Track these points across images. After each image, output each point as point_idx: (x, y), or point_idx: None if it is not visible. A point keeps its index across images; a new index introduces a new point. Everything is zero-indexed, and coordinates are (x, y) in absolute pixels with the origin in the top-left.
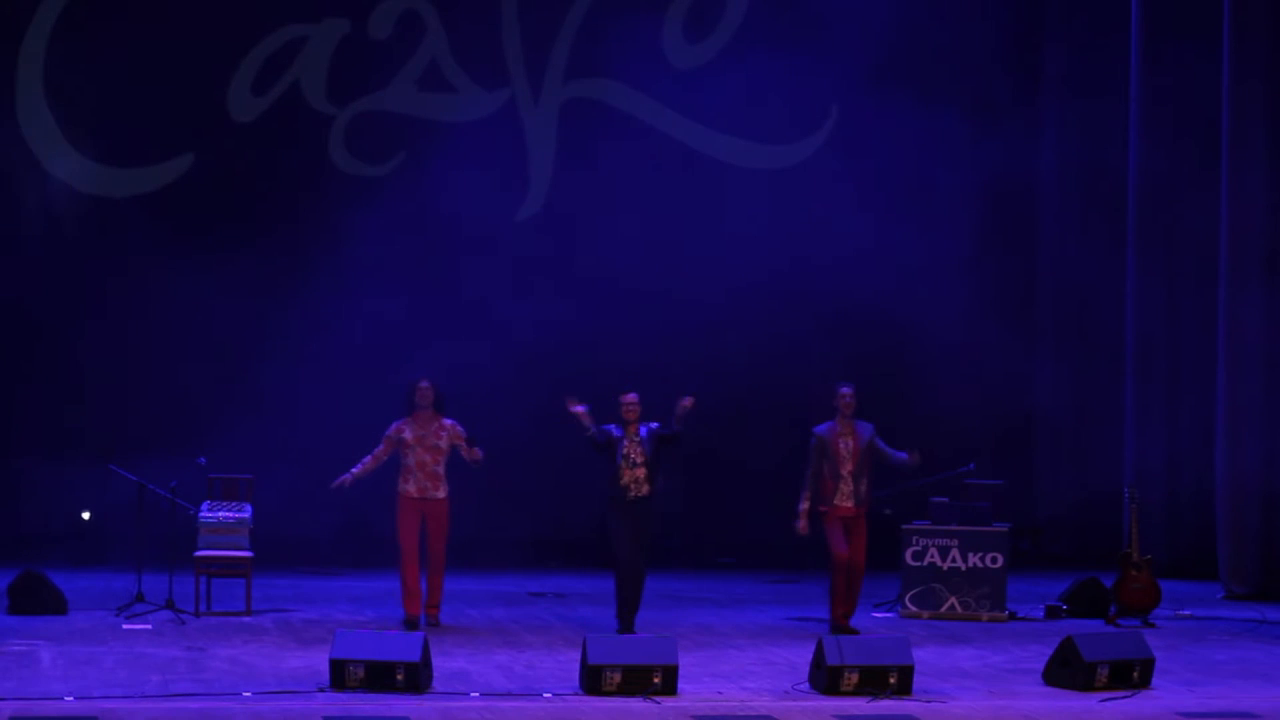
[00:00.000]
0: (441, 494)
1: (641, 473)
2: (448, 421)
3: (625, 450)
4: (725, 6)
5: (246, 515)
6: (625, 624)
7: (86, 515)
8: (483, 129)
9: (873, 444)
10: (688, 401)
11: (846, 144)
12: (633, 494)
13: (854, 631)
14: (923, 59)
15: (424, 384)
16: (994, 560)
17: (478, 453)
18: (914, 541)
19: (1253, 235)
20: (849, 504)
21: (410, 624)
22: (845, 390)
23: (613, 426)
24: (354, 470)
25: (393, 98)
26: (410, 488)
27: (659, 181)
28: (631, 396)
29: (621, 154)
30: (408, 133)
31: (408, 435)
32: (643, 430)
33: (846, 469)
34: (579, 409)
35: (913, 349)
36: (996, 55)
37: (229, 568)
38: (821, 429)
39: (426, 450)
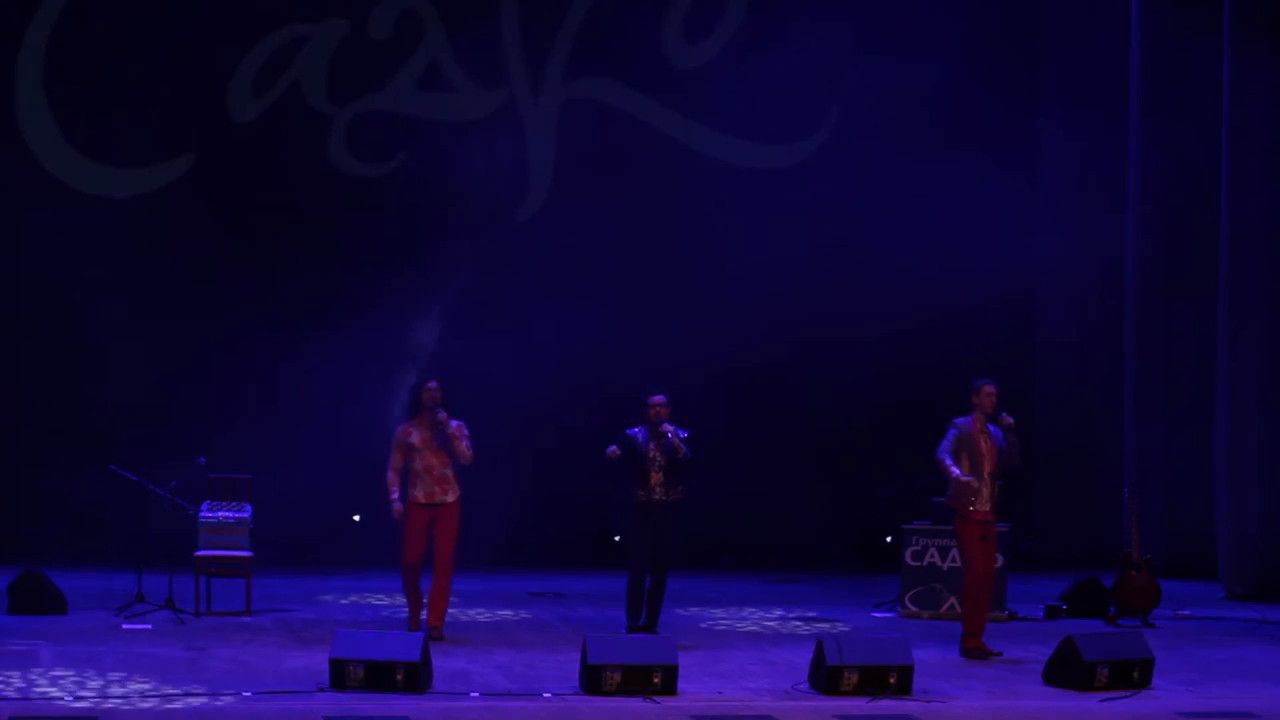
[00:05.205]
0: (451, 498)
1: (665, 476)
2: (454, 422)
3: (651, 453)
4: (725, 6)
5: (246, 515)
6: (635, 627)
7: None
8: (483, 129)
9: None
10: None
11: (845, 145)
12: (657, 497)
13: (995, 654)
14: (924, 57)
15: (432, 385)
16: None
17: (463, 447)
18: (914, 541)
19: (1254, 236)
20: (988, 508)
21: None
22: (991, 387)
23: (636, 430)
24: (394, 496)
25: (393, 98)
26: (418, 493)
27: (659, 181)
28: (660, 398)
29: (621, 154)
30: (408, 133)
31: (414, 439)
32: (668, 434)
33: (987, 469)
34: (611, 450)
35: (912, 350)
36: (995, 58)
37: (229, 568)
38: (963, 421)
39: (434, 453)
